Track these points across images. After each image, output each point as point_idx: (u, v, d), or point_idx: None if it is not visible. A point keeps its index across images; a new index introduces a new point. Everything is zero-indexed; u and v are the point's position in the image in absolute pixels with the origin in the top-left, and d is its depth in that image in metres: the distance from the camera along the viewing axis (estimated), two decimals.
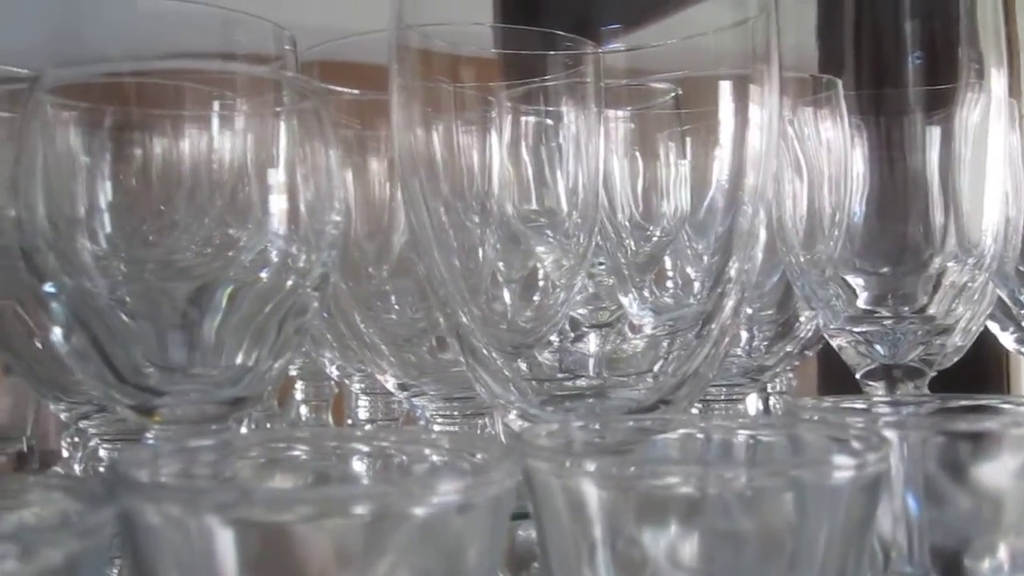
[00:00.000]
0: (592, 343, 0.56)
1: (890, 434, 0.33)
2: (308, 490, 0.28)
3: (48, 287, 0.36)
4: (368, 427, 0.66)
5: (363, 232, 0.65)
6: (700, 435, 0.36)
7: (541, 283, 0.55)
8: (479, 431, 0.54)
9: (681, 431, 0.36)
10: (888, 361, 0.47)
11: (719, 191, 0.47)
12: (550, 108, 0.54)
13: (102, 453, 0.50)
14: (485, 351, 0.44)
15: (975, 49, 0.48)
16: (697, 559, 0.28)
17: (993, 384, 0.96)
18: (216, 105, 0.40)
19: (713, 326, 0.45)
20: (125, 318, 0.38)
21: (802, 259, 0.50)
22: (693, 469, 0.29)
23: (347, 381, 0.68)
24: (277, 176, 0.38)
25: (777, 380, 0.74)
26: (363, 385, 0.68)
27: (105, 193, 0.39)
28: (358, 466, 0.31)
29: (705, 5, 0.50)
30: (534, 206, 0.55)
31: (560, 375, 0.52)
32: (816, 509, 0.28)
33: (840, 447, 0.32)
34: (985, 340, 0.68)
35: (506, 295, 0.54)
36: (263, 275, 0.39)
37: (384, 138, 0.64)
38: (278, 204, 0.38)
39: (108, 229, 0.39)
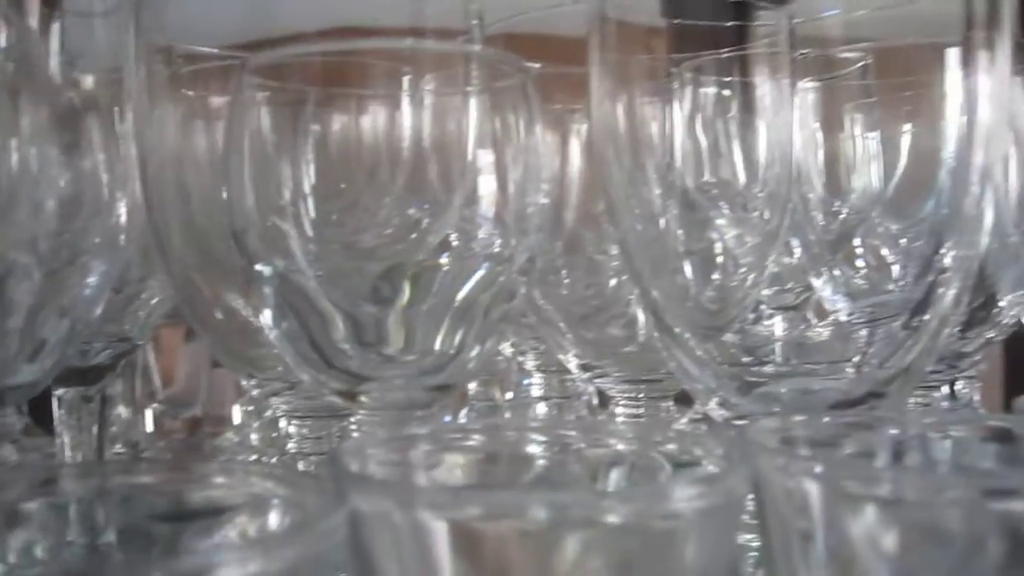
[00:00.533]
0: (778, 327, 0.54)
1: None
2: (548, 493, 0.27)
3: (259, 267, 0.36)
4: (574, 417, 0.66)
5: None
6: (929, 434, 0.34)
7: (720, 259, 0.53)
8: (663, 415, 0.53)
9: (902, 430, 0.34)
10: None
11: (935, 169, 0.44)
12: (741, 78, 0.52)
13: (291, 429, 0.50)
14: (679, 330, 0.43)
15: None
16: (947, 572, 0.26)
17: None
18: (415, 82, 0.40)
19: (927, 317, 0.42)
20: (327, 301, 0.38)
21: (1013, 239, 0.47)
22: (937, 476, 0.27)
23: (520, 358, 0.68)
24: (482, 156, 0.38)
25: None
26: (538, 362, 0.67)
27: (308, 175, 0.39)
28: (586, 465, 0.31)
29: None
30: (717, 179, 0.54)
31: (745, 359, 0.50)
32: None
33: None
34: None
35: (688, 266, 0.53)
36: (468, 257, 0.39)
37: (558, 112, 0.63)
38: (484, 185, 0.37)
39: (310, 211, 0.39)
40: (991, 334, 0.57)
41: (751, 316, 0.54)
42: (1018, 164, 0.48)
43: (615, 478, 0.30)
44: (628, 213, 0.46)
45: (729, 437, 0.29)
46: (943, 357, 0.57)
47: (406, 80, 0.41)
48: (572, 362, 0.55)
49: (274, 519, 0.27)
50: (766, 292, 0.55)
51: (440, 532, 0.23)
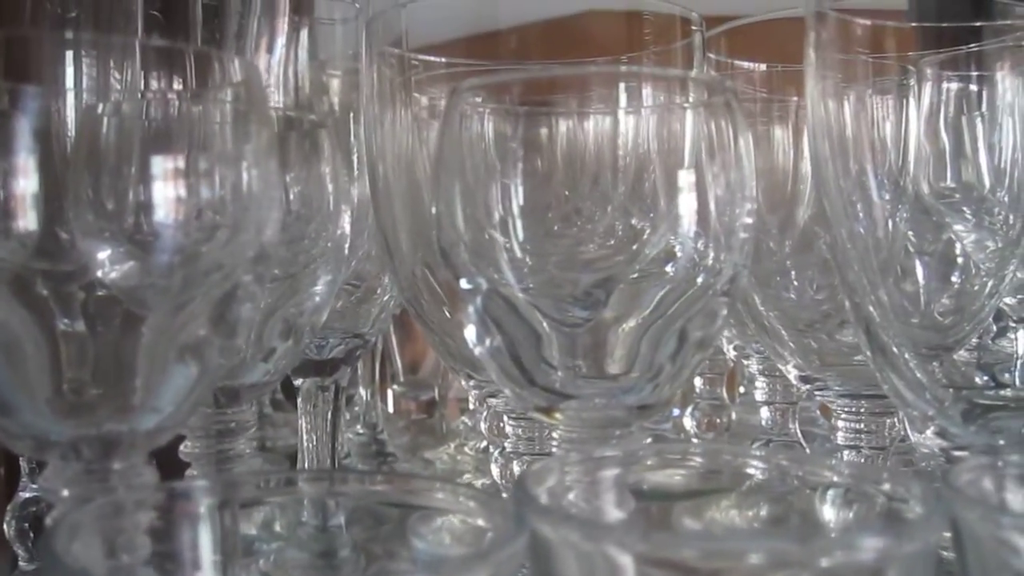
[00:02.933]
0: (1021, 342, 0.51)
1: None
2: (754, 539, 0.27)
3: (464, 283, 0.38)
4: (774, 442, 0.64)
5: (765, 204, 0.63)
6: None
7: (960, 261, 0.50)
8: (887, 432, 0.51)
9: None
10: None
11: None
12: (981, 75, 0.49)
13: (507, 429, 0.52)
14: (896, 350, 0.41)
15: None
16: None
17: None
18: (622, 100, 0.40)
19: None
20: (534, 316, 0.38)
21: None
22: None
23: (744, 361, 0.66)
24: (684, 172, 0.37)
25: None
26: (761, 367, 0.66)
27: (518, 190, 0.40)
28: (787, 500, 0.30)
29: None
30: (954, 182, 0.51)
31: (980, 381, 0.47)
32: None
33: None
34: None
35: (920, 273, 0.50)
36: (669, 272, 0.38)
37: (790, 106, 0.62)
38: (686, 201, 0.37)
39: (520, 225, 0.40)
40: None
41: (994, 328, 0.51)
42: None
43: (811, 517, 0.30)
44: (847, 216, 0.45)
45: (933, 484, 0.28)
46: None
47: (619, 93, 0.41)
48: (792, 373, 0.54)
49: (457, 540, 0.28)
50: (1010, 301, 0.52)
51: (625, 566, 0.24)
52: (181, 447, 0.46)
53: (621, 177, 0.41)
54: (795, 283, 0.61)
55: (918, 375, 0.41)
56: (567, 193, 0.45)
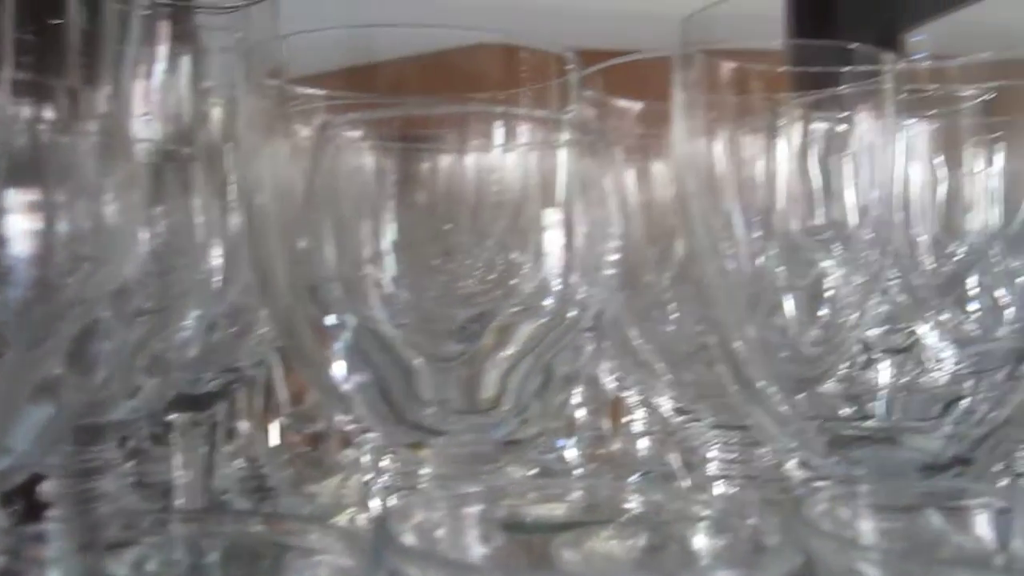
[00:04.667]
0: (885, 372, 0.53)
1: None
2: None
3: (333, 320, 0.37)
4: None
5: (645, 238, 0.64)
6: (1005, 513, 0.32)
7: (828, 295, 0.52)
8: (758, 461, 0.52)
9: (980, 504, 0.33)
10: None
11: None
12: (846, 117, 0.51)
13: (385, 463, 0.51)
14: (762, 384, 0.42)
15: None
16: None
17: None
18: (495, 137, 0.41)
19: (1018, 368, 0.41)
20: (407, 351, 0.38)
21: None
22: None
23: (624, 392, 0.67)
24: (552, 211, 0.38)
25: None
26: (640, 398, 0.67)
27: (390, 226, 0.40)
28: (629, 535, 0.30)
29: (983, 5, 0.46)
30: (821, 220, 0.53)
31: (846, 411, 0.49)
32: None
33: None
34: None
35: (788, 308, 0.51)
36: (538, 308, 0.39)
37: (667, 141, 0.63)
38: (554, 239, 0.38)
39: (392, 260, 0.40)
40: None
41: (860, 359, 0.53)
42: None
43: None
44: (716, 253, 0.46)
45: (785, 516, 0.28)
46: None
47: (492, 131, 0.41)
48: (665, 405, 0.55)
49: None
50: (875, 333, 0.54)
51: None
52: (38, 487, 0.45)
53: (494, 214, 0.41)
54: (674, 315, 0.62)
55: (782, 409, 0.43)
56: (442, 229, 0.45)
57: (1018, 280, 0.51)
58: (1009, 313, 0.50)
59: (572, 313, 0.37)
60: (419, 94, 0.51)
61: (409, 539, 0.28)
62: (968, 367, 0.47)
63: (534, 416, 0.37)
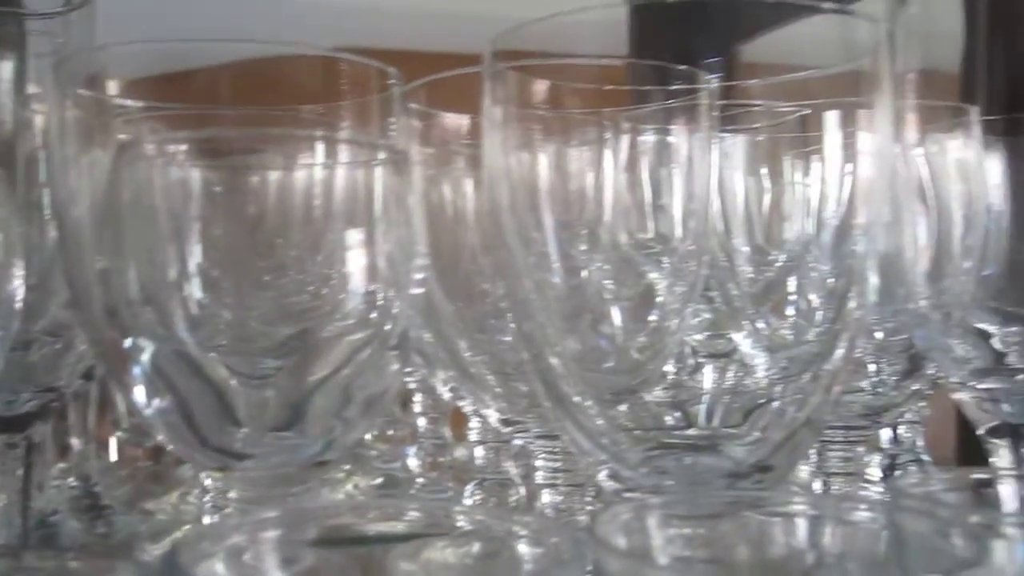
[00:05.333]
0: (707, 378, 0.54)
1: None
2: None
3: (128, 343, 0.36)
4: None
5: (479, 248, 0.64)
6: (798, 519, 0.33)
7: (651, 306, 0.53)
8: (584, 470, 0.53)
9: (776, 512, 0.34)
10: (1015, 420, 0.44)
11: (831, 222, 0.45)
12: (659, 133, 0.52)
13: (208, 483, 0.50)
14: (578, 398, 0.43)
15: None
16: None
17: None
18: (307, 155, 0.40)
19: (827, 367, 0.43)
20: (217, 373, 0.38)
21: (923, 302, 0.47)
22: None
23: (459, 402, 0.67)
24: (355, 231, 0.38)
25: (908, 411, 0.70)
26: (475, 407, 0.67)
27: (201, 243, 0.39)
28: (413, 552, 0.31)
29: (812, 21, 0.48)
30: (646, 233, 0.54)
31: (671, 420, 0.50)
32: None
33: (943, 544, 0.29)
34: None
35: (614, 319, 0.52)
36: (345, 327, 0.39)
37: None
38: (358, 258, 0.37)
39: (201, 279, 0.39)
40: (916, 386, 0.57)
41: (689, 364, 0.54)
42: (927, 228, 0.48)
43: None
44: (537, 267, 0.46)
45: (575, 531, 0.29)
46: (868, 412, 0.57)
47: (298, 149, 0.41)
48: (493, 416, 0.55)
49: None
50: (698, 338, 0.55)
51: None
52: None
53: (303, 233, 0.41)
54: (509, 325, 0.62)
55: (599, 421, 0.43)
56: (268, 245, 0.44)
57: (828, 282, 0.53)
58: (818, 317, 0.52)
59: (372, 332, 0.37)
60: (237, 103, 0.50)
61: (218, 566, 0.28)
62: (777, 372, 0.49)
63: (341, 435, 0.37)
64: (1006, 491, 0.39)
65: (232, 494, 0.37)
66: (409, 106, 0.55)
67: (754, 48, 0.55)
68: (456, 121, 0.59)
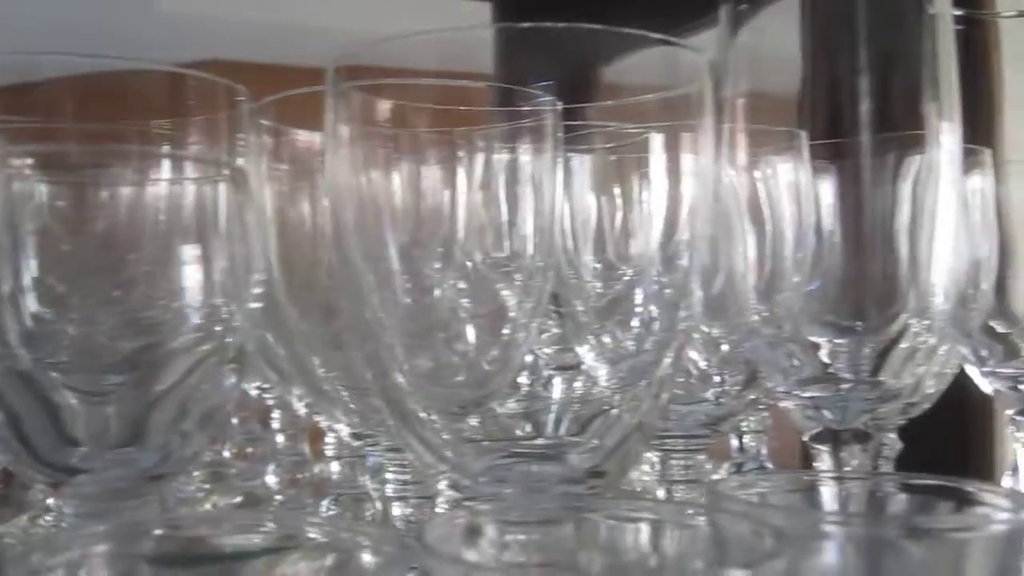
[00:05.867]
0: (556, 388, 0.56)
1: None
2: None
3: None
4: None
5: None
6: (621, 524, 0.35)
7: (502, 321, 0.54)
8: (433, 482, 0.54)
9: (599, 518, 0.35)
10: (836, 426, 0.46)
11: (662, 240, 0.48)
12: (503, 152, 0.54)
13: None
14: (423, 414, 0.44)
15: (929, 103, 0.47)
16: None
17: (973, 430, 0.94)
18: (140, 173, 0.41)
19: (658, 375, 0.45)
20: (54, 390, 0.38)
21: (754, 317, 0.49)
22: None
23: (315, 418, 0.68)
24: (191, 247, 0.38)
25: (751, 418, 0.73)
26: (328, 423, 0.67)
27: (37, 259, 0.39)
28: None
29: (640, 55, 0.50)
30: (500, 252, 0.55)
31: (519, 433, 0.51)
32: None
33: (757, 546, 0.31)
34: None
35: (471, 333, 0.53)
36: (189, 341, 0.39)
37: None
38: (194, 273, 0.38)
39: (36, 295, 0.38)
40: (753, 396, 0.59)
41: (542, 376, 0.56)
42: (760, 246, 0.51)
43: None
44: (386, 287, 0.47)
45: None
46: (708, 421, 0.59)
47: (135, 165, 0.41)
48: (344, 431, 0.56)
49: None
50: (547, 351, 0.57)
51: None
52: None
53: (146, 248, 0.41)
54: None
55: (444, 435, 0.44)
56: (116, 261, 0.44)
57: (666, 292, 0.55)
58: (655, 327, 0.54)
59: (213, 345, 0.38)
60: (83, 118, 0.50)
61: None
62: (617, 382, 0.51)
63: (177, 449, 0.37)
64: (826, 492, 0.41)
65: (67, 509, 0.37)
66: (261, 122, 0.55)
67: (610, 72, 0.57)
68: (309, 138, 0.59)
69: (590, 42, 0.53)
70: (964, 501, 0.36)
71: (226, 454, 0.88)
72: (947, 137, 0.47)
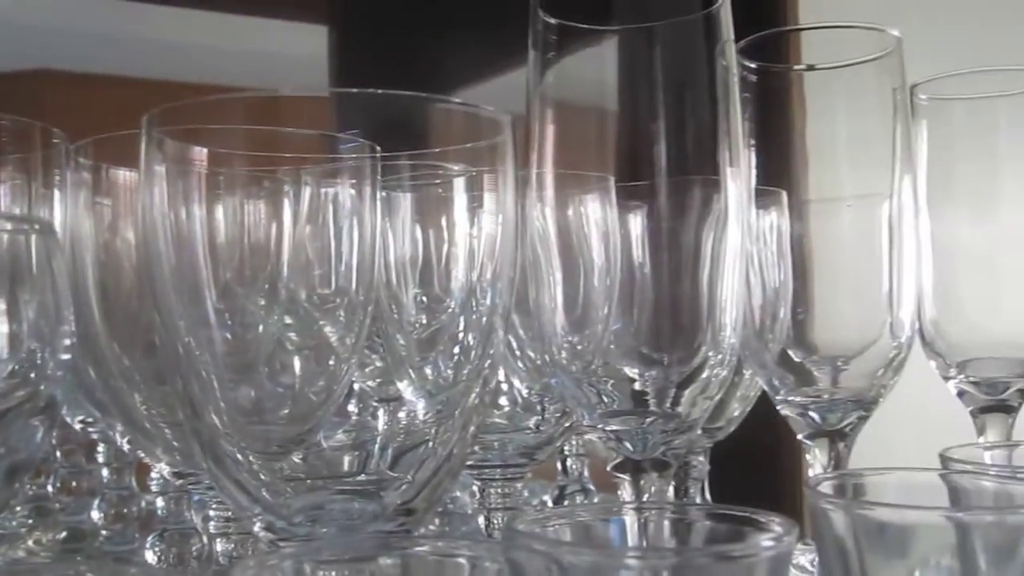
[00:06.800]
0: (380, 421, 0.57)
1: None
2: None
3: None
4: None
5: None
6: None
7: (327, 355, 0.55)
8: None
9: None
10: (637, 456, 0.49)
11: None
12: (325, 190, 0.55)
13: None
14: (240, 456, 0.44)
15: (721, 150, 0.51)
16: None
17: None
18: None
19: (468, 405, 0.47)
20: None
21: (563, 354, 0.52)
22: None
23: (140, 453, 0.67)
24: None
25: (573, 442, 0.76)
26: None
27: None
28: None
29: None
30: (324, 288, 0.56)
31: (344, 468, 0.52)
32: None
33: None
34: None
35: (296, 365, 0.54)
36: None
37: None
38: (7, 324, 0.38)
39: None
40: (568, 423, 0.62)
41: (369, 409, 0.57)
42: (570, 283, 0.53)
43: None
44: (207, 324, 0.47)
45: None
46: (526, 451, 0.61)
47: None
48: (165, 469, 0.56)
49: None
50: (371, 384, 0.58)
51: None
52: None
53: None
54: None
55: (262, 476, 0.45)
56: None
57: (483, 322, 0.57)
58: (472, 356, 0.56)
59: (21, 395, 0.38)
60: None
61: None
62: (433, 416, 0.53)
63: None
64: (628, 522, 0.44)
65: None
66: (80, 160, 0.55)
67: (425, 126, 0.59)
68: (129, 176, 0.59)
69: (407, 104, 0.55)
70: (742, 526, 0.39)
71: (50, 488, 0.86)
72: (733, 182, 0.50)
